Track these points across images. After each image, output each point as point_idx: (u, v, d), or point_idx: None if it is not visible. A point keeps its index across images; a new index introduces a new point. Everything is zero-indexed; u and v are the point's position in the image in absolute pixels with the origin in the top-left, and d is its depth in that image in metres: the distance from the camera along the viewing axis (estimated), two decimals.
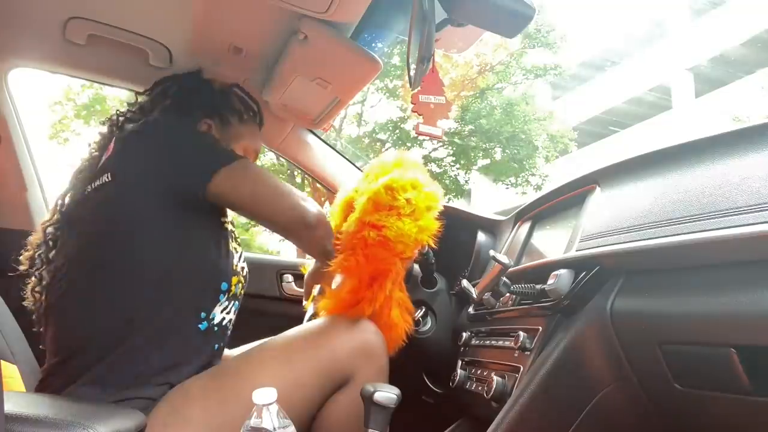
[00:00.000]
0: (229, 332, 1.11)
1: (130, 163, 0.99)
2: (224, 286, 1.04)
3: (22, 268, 1.12)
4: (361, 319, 1.07)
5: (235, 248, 1.10)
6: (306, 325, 1.08)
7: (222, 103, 1.21)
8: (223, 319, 1.06)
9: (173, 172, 0.97)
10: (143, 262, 0.96)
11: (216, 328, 1.04)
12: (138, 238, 0.96)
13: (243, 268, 1.13)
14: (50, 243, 1.09)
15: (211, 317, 1.02)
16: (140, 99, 1.22)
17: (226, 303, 1.06)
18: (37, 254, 1.11)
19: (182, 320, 0.98)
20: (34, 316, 1.07)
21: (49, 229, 1.10)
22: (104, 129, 1.18)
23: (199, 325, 1.01)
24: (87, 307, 0.96)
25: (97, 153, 1.12)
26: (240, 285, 1.11)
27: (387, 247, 1.05)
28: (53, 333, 1.00)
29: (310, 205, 1.02)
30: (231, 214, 1.14)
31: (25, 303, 1.09)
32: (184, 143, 1.01)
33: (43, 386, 0.98)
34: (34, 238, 1.13)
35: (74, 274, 0.98)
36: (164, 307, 0.96)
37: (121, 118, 1.18)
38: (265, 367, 0.99)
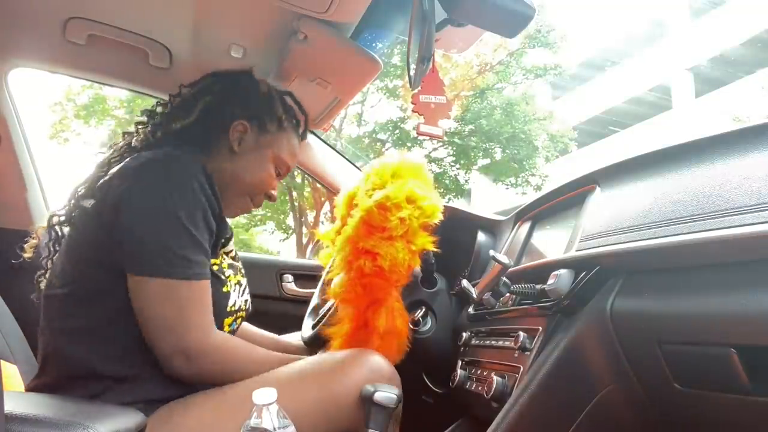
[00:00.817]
0: None
1: (107, 202, 0.94)
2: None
3: (26, 255, 1.11)
4: (371, 355, 1.03)
5: (233, 286, 1.05)
6: (315, 362, 1.01)
7: (264, 108, 1.13)
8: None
9: (128, 237, 0.91)
10: (117, 311, 0.93)
11: None
12: (108, 286, 0.93)
13: (246, 301, 1.10)
14: (53, 234, 1.08)
15: None
16: (184, 91, 1.15)
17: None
18: (44, 243, 1.10)
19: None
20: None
21: (55, 219, 1.09)
22: (143, 118, 1.15)
23: None
24: (74, 332, 0.94)
25: (116, 155, 1.10)
26: (239, 320, 1.10)
27: (383, 277, 1.06)
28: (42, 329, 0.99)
29: (206, 336, 0.92)
30: (229, 245, 1.12)
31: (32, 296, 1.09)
32: (155, 221, 0.90)
33: (39, 380, 0.97)
34: (41, 228, 1.12)
35: (57, 289, 0.96)
36: (149, 351, 0.93)
37: (155, 116, 1.13)
38: (274, 380, 0.96)
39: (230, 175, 1.09)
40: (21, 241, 1.16)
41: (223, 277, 1.03)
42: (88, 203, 0.99)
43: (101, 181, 0.99)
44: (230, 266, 1.08)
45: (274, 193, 1.18)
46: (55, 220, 1.09)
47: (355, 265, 1.07)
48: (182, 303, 0.90)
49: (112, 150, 1.13)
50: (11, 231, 1.51)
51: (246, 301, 1.11)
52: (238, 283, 1.09)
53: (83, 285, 0.94)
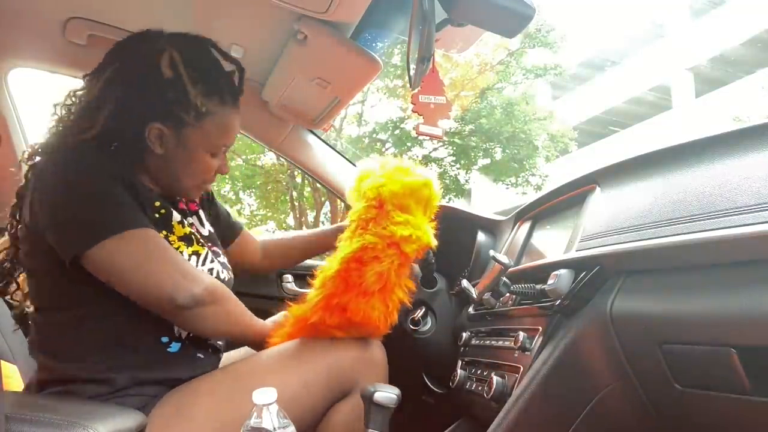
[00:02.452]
0: (211, 339, 1.06)
1: (33, 207, 0.93)
2: None
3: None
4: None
5: (196, 251, 1.04)
6: (311, 338, 1.07)
7: (173, 100, 0.97)
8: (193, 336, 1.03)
9: (52, 233, 0.90)
10: (75, 302, 0.94)
11: (189, 342, 1.01)
12: (55, 280, 0.94)
13: (212, 269, 1.07)
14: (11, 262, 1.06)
15: (177, 335, 1.00)
16: (87, 83, 1.05)
17: None
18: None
19: (148, 348, 0.96)
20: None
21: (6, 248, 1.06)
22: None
23: (168, 349, 0.98)
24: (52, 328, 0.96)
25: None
26: None
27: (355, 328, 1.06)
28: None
29: (193, 284, 0.92)
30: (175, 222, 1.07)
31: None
32: (73, 203, 0.90)
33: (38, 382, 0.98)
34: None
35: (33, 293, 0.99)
36: (124, 336, 0.94)
37: (63, 111, 1.06)
38: (270, 370, 0.99)
39: (167, 174, 1.05)
40: None
41: (174, 244, 1.01)
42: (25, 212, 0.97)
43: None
44: (182, 238, 1.04)
45: (223, 170, 1.10)
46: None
47: (328, 321, 1.05)
48: (141, 249, 0.91)
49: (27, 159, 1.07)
50: None
51: (212, 269, 1.07)
52: (195, 253, 1.04)
53: (41, 298, 0.96)
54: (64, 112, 1.06)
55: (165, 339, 0.98)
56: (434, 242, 1.10)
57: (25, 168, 1.03)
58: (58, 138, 1.02)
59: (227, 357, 1.16)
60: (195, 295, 0.92)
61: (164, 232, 1.00)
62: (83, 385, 0.91)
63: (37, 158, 1.01)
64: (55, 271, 0.92)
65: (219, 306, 0.97)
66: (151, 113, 0.98)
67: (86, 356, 0.92)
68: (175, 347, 0.99)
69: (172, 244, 1.00)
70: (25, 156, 1.05)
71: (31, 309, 0.99)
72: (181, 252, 1.01)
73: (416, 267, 1.34)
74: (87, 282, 0.91)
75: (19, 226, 1.00)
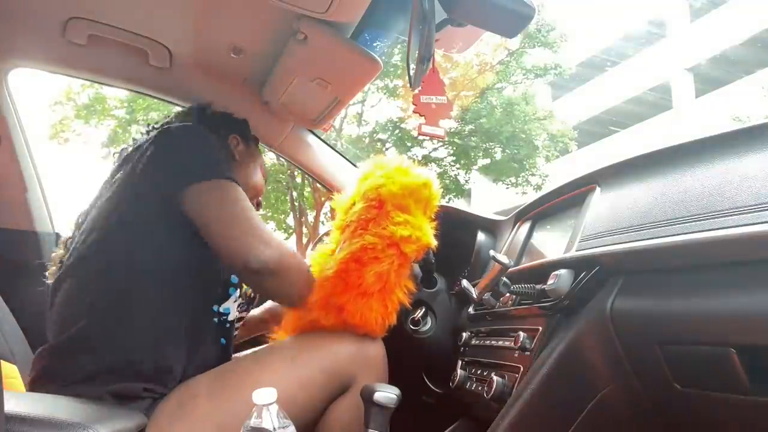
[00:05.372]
0: (235, 332, 1.13)
1: (139, 165, 1.00)
2: (234, 279, 1.07)
3: (49, 282, 1.10)
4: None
5: None
6: (310, 333, 1.09)
7: (239, 127, 1.29)
8: (237, 316, 1.10)
9: (158, 175, 0.98)
10: (145, 262, 0.96)
11: (227, 323, 1.08)
12: (137, 238, 0.97)
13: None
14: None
15: (222, 310, 1.06)
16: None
17: (240, 300, 1.10)
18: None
19: (192, 316, 1.00)
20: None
21: (80, 218, 1.11)
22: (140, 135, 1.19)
23: (214, 319, 1.05)
24: (88, 303, 0.95)
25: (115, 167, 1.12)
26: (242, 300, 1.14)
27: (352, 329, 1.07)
28: (55, 319, 1.00)
29: (266, 251, 0.96)
30: None
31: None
32: (181, 146, 1.01)
33: (40, 377, 0.97)
34: (59, 253, 1.12)
35: (80, 271, 0.99)
36: (173, 304, 0.97)
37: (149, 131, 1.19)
38: (270, 367, 1.00)
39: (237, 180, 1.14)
40: (21, 241, 1.15)
41: None
42: (116, 177, 1.04)
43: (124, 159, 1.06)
44: None
45: (261, 199, 1.33)
46: (80, 219, 1.11)
47: (323, 321, 1.06)
48: (236, 202, 0.97)
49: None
50: (11, 231, 1.51)
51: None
52: None
53: (112, 257, 0.97)
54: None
55: (215, 308, 1.05)
56: (434, 242, 1.10)
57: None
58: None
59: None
60: (266, 263, 0.96)
61: None
62: (84, 385, 0.91)
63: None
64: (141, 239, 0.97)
65: (283, 278, 1.00)
66: (229, 128, 1.27)
67: (112, 356, 0.93)
68: (216, 318, 1.06)
69: None
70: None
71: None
72: None
73: (416, 267, 1.34)
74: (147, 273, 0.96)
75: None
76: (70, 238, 1.11)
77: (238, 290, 1.09)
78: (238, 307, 1.10)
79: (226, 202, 0.97)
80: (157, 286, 0.96)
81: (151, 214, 0.97)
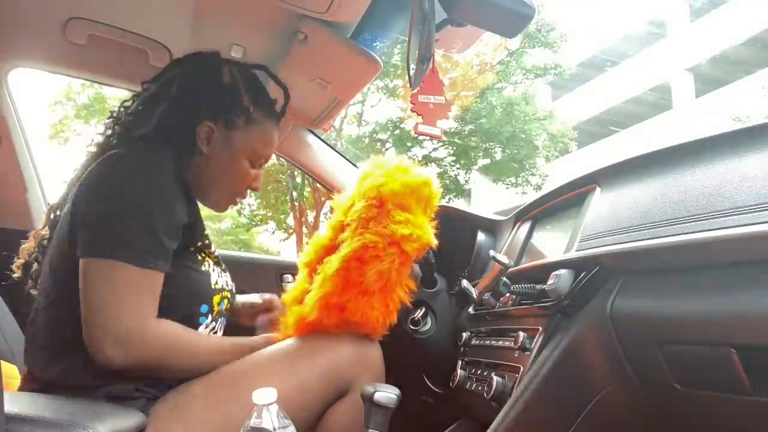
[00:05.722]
0: None
1: (74, 205, 0.95)
2: (204, 308, 1.02)
3: (15, 276, 1.10)
4: (360, 335, 1.08)
5: (211, 266, 1.06)
6: (308, 336, 1.08)
7: (228, 103, 1.07)
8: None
9: (78, 228, 0.92)
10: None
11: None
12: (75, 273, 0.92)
13: (226, 282, 1.10)
14: (41, 249, 1.08)
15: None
16: (144, 91, 1.11)
17: (212, 323, 1.05)
18: (32, 257, 1.10)
19: None
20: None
21: (42, 239, 1.09)
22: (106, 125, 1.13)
23: None
24: (61, 327, 0.94)
25: (86, 161, 1.09)
26: (226, 301, 1.09)
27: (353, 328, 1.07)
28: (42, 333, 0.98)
29: (132, 322, 0.88)
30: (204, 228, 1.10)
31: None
32: (109, 210, 0.91)
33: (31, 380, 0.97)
34: (27, 246, 1.11)
35: (49, 291, 0.97)
36: None
37: (119, 120, 1.10)
38: (268, 370, 0.99)
39: (206, 176, 1.09)
40: (21, 241, 1.16)
41: (199, 257, 1.04)
42: (66, 208, 0.99)
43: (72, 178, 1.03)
44: (207, 254, 1.07)
45: (256, 184, 1.15)
46: (42, 239, 1.09)
47: (325, 321, 1.06)
48: (119, 286, 0.87)
49: (85, 160, 1.11)
50: (11, 231, 1.51)
51: (227, 282, 1.11)
52: (217, 263, 1.09)
53: (63, 289, 0.94)
54: (114, 118, 1.11)
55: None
56: (435, 241, 1.10)
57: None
58: (113, 138, 1.07)
59: None
60: (139, 340, 0.89)
61: (197, 246, 1.04)
62: (84, 385, 0.91)
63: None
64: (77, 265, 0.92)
65: (161, 357, 0.92)
66: (205, 112, 1.05)
67: (88, 364, 0.91)
68: None
69: (200, 251, 1.05)
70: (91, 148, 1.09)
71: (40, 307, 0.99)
72: (206, 260, 1.05)
73: (416, 267, 1.34)
74: None
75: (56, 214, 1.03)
76: (43, 236, 1.08)
77: (209, 316, 1.03)
78: (210, 331, 1.05)
79: (108, 284, 0.88)
80: None
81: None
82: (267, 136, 1.12)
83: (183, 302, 0.99)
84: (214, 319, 1.06)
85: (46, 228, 1.09)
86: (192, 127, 1.05)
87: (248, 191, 1.17)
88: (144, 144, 1.01)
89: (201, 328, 1.02)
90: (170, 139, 1.04)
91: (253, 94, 1.10)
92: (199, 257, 1.04)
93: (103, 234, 0.90)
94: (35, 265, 1.09)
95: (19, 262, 1.11)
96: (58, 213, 1.07)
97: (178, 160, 1.03)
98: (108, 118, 1.12)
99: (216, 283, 1.05)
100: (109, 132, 1.09)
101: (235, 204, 1.20)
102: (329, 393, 1.02)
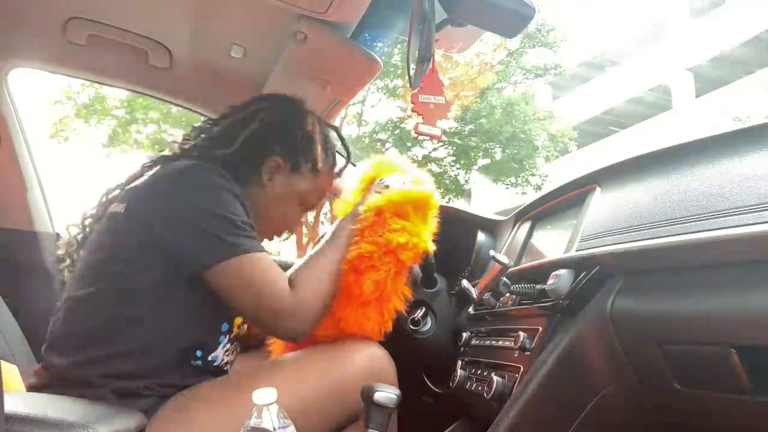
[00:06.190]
0: (224, 372, 1.08)
1: (145, 206, 0.96)
2: (225, 327, 1.03)
3: (59, 252, 1.12)
4: (370, 344, 1.07)
5: None
6: (317, 349, 1.06)
7: (302, 149, 1.14)
8: (224, 361, 1.05)
9: (173, 243, 0.94)
10: (136, 301, 0.94)
11: (212, 367, 1.02)
12: (131, 277, 0.94)
13: None
14: (85, 232, 1.10)
15: (210, 358, 1.01)
16: (231, 115, 1.15)
17: (228, 345, 1.05)
18: (74, 239, 1.11)
19: (175, 356, 0.97)
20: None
21: (87, 219, 1.11)
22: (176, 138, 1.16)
23: (193, 362, 0.99)
24: (81, 326, 0.95)
25: (139, 170, 1.10)
26: (244, 326, 1.11)
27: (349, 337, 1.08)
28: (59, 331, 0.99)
29: (288, 323, 0.97)
30: None
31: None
32: (201, 215, 0.94)
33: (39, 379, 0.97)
34: (72, 227, 1.13)
35: (75, 291, 0.97)
36: (157, 341, 0.94)
37: (200, 135, 1.14)
38: (273, 386, 0.97)
39: (259, 207, 1.11)
40: (21, 241, 1.16)
41: None
42: (119, 207, 0.99)
43: (131, 185, 1.02)
44: None
45: (295, 226, 1.25)
46: (87, 219, 1.10)
47: (321, 334, 1.07)
48: (261, 272, 0.95)
49: (149, 159, 1.13)
50: (11, 231, 1.51)
51: None
52: None
53: (108, 284, 0.95)
54: (198, 130, 1.16)
55: (199, 353, 0.99)
56: (432, 247, 1.10)
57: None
58: (194, 151, 1.10)
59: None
60: (288, 308, 0.96)
61: None
62: (93, 381, 0.90)
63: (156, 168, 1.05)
64: (135, 278, 0.93)
65: (298, 318, 0.99)
66: (281, 147, 1.12)
67: (106, 359, 0.92)
68: (198, 362, 1.00)
69: None
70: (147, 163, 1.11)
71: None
72: None
73: (416, 267, 1.35)
74: (157, 288, 0.94)
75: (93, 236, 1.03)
76: (78, 234, 1.10)
77: (227, 336, 1.05)
78: (225, 352, 1.05)
79: (248, 279, 0.94)
80: (140, 327, 0.94)
81: (143, 266, 0.94)
82: (322, 188, 1.21)
83: (207, 315, 1.00)
84: (231, 341, 1.06)
85: (94, 209, 1.10)
86: (263, 157, 1.11)
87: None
88: (221, 164, 1.03)
89: (220, 349, 1.02)
90: (241, 162, 1.08)
91: (325, 148, 1.18)
92: None
93: (216, 239, 0.93)
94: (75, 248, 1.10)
95: (62, 243, 1.12)
96: (112, 196, 1.08)
97: (240, 182, 1.05)
98: (193, 131, 1.17)
99: None
100: (192, 143, 1.12)
101: (271, 240, 1.24)
102: (336, 414, 1.00)
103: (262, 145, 1.11)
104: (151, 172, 1.02)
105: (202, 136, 1.13)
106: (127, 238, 0.95)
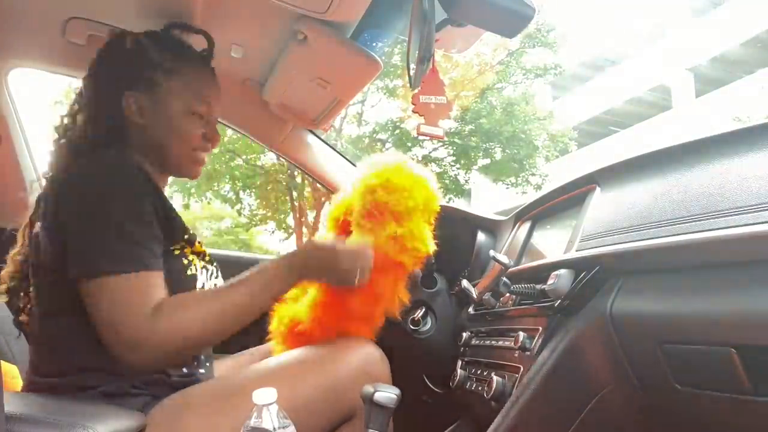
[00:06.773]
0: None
1: (50, 220, 0.92)
2: None
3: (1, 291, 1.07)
4: (365, 343, 1.06)
5: (203, 267, 1.03)
6: (311, 349, 1.04)
7: (137, 65, 1.02)
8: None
9: (62, 250, 0.89)
10: (75, 305, 0.90)
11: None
12: (61, 286, 0.90)
13: (215, 285, 1.06)
14: (24, 272, 1.06)
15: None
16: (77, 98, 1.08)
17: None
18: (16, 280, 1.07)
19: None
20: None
21: (20, 258, 1.07)
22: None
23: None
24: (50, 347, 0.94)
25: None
26: None
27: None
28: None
29: (136, 325, 0.86)
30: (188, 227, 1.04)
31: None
32: (88, 225, 0.89)
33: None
34: (5, 272, 1.08)
35: (37, 309, 0.96)
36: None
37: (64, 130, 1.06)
38: (267, 386, 0.97)
39: (154, 146, 1.04)
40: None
41: (185, 261, 0.99)
42: (40, 211, 0.96)
43: (40, 193, 1.00)
44: (197, 254, 1.03)
45: (209, 133, 1.08)
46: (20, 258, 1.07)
47: (317, 335, 1.08)
48: (116, 297, 0.86)
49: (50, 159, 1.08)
50: (11, 231, 1.51)
51: (217, 285, 1.06)
52: (205, 267, 1.04)
53: (48, 303, 0.94)
54: (65, 122, 1.07)
55: None
56: (433, 248, 1.10)
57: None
58: (72, 146, 1.03)
59: (225, 365, 1.16)
60: (148, 338, 0.86)
61: (182, 245, 1.00)
62: (84, 386, 0.90)
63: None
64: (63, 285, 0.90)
65: (177, 343, 0.89)
66: (122, 83, 1.02)
67: (93, 358, 0.91)
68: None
69: (185, 255, 1.00)
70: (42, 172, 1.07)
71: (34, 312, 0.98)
72: (193, 264, 1.00)
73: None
74: None
75: (33, 231, 0.99)
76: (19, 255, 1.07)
77: None
78: None
79: (103, 300, 0.86)
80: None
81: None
82: (194, 82, 1.05)
83: None
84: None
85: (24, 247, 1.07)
86: (118, 104, 1.01)
87: (212, 147, 1.10)
88: (92, 146, 0.98)
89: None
90: (110, 126, 1.01)
91: (161, 46, 1.05)
92: (185, 261, 0.99)
93: (83, 252, 0.88)
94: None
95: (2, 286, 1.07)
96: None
97: (127, 149, 1.01)
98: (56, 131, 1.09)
99: (203, 287, 1.01)
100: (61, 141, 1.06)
101: (202, 161, 1.11)
102: (331, 415, 0.99)
103: (108, 96, 1.02)
104: (51, 178, 0.99)
105: (69, 126, 1.06)
106: (47, 244, 0.93)
